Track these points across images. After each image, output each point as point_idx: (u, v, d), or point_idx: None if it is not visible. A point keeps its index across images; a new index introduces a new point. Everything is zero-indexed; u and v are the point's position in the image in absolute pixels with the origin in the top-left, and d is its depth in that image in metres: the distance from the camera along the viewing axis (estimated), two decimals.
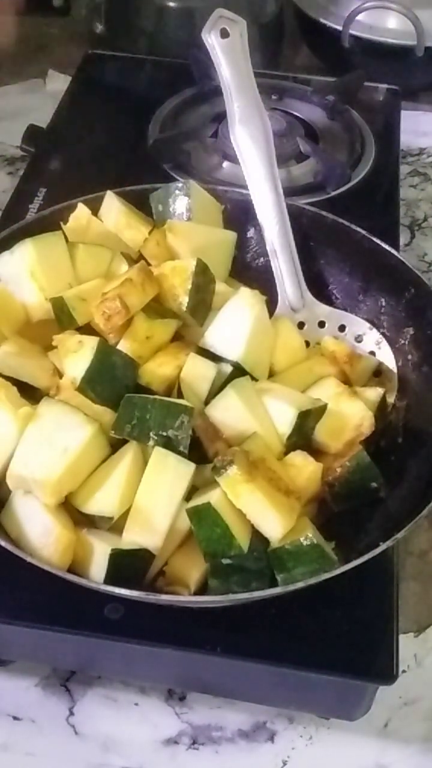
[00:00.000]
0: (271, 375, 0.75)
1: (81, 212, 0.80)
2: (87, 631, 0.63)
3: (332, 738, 0.69)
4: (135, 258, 0.79)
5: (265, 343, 0.74)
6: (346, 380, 0.75)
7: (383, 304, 0.80)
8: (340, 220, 0.82)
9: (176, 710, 0.70)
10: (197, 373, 0.69)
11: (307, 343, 0.79)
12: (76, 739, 0.68)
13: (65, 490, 0.63)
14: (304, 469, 0.66)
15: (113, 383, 0.67)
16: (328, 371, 0.75)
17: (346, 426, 0.70)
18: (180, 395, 0.68)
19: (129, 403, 0.65)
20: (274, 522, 0.61)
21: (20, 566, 0.59)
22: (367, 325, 0.80)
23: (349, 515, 0.69)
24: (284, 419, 0.67)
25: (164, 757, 0.67)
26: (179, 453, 0.63)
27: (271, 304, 0.79)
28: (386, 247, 0.80)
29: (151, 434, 0.64)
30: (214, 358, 0.71)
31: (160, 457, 0.63)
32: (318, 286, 0.82)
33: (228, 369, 0.71)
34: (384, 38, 1.26)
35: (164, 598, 0.62)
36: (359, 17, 1.25)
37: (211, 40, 0.76)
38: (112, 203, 0.82)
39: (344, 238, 0.82)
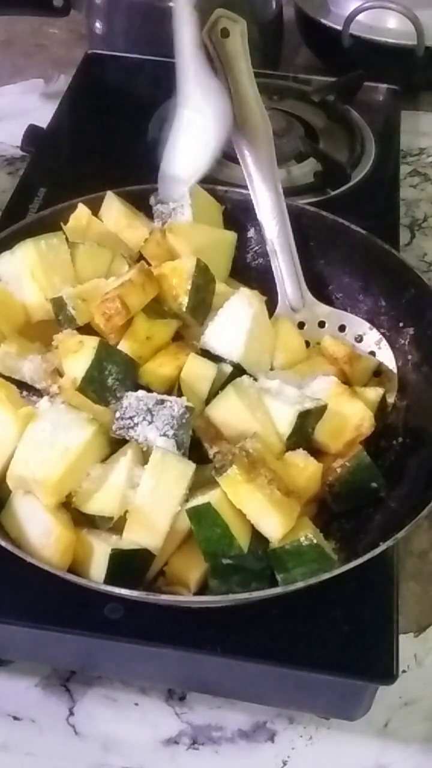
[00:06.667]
0: None
1: (81, 212, 0.80)
2: (87, 631, 0.63)
3: (332, 738, 0.69)
4: (135, 258, 0.80)
5: (265, 343, 0.75)
6: (346, 380, 0.75)
7: (383, 304, 0.80)
8: (340, 220, 0.82)
9: (176, 710, 0.70)
10: (197, 373, 0.69)
11: (307, 343, 0.80)
12: (76, 739, 0.68)
13: (65, 490, 0.63)
14: (304, 469, 0.66)
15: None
16: (328, 371, 0.75)
17: (346, 426, 0.70)
18: (180, 395, 0.68)
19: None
20: (274, 522, 0.61)
21: (20, 566, 0.59)
22: (367, 325, 0.80)
23: (349, 515, 0.69)
24: (284, 419, 0.67)
25: (164, 757, 0.67)
26: (179, 453, 0.64)
27: (271, 304, 0.79)
28: (386, 247, 0.80)
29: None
30: (214, 358, 0.71)
31: (160, 457, 0.63)
32: (318, 286, 0.82)
33: (228, 369, 0.71)
34: (384, 38, 1.26)
35: (164, 598, 0.62)
36: (359, 17, 1.25)
37: (211, 40, 0.76)
38: (112, 203, 0.82)
39: (344, 238, 0.82)
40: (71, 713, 0.69)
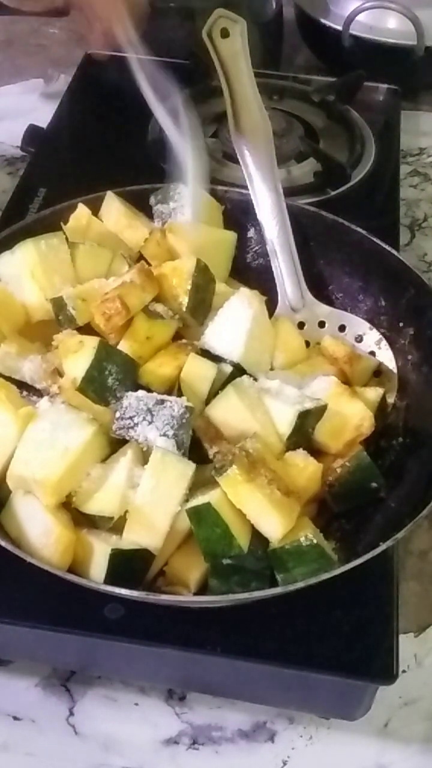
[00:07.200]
0: None
1: (81, 212, 0.80)
2: (87, 631, 0.63)
3: (332, 738, 0.69)
4: (135, 258, 0.80)
5: (265, 343, 0.75)
6: (346, 380, 0.75)
7: (383, 304, 0.80)
8: (340, 220, 0.82)
9: (176, 710, 0.70)
10: (197, 373, 0.69)
11: (307, 343, 0.79)
12: (76, 739, 0.68)
13: (65, 490, 0.63)
14: (304, 469, 0.66)
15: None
16: (328, 371, 0.75)
17: (346, 426, 0.70)
18: (180, 395, 0.68)
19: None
20: (274, 522, 0.61)
21: (20, 566, 0.59)
22: (367, 325, 0.80)
23: (349, 515, 0.69)
24: (284, 419, 0.67)
25: (164, 757, 0.67)
26: (179, 453, 0.64)
27: (271, 304, 0.79)
28: (386, 247, 0.80)
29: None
30: (214, 358, 0.71)
31: (160, 457, 0.63)
32: (318, 286, 0.82)
33: (228, 369, 0.71)
34: (384, 38, 1.26)
35: (164, 598, 0.62)
36: (359, 17, 1.24)
37: (211, 40, 0.76)
38: (112, 203, 0.82)
39: (344, 238, 0.82)
40: (71, 713, 0.69)
